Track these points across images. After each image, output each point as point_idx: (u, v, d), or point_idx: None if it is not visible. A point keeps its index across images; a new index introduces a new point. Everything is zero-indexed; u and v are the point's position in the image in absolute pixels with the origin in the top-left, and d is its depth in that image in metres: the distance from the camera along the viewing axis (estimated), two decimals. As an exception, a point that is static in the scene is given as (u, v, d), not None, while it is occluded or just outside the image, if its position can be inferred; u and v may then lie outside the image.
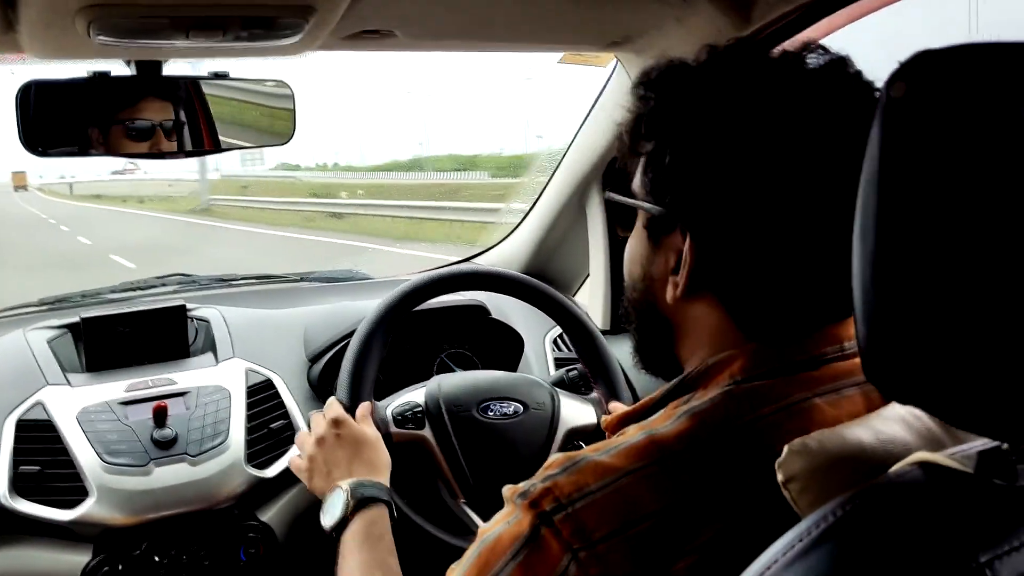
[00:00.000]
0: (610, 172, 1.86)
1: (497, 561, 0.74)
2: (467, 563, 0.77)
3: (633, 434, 0.76)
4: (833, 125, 0.73)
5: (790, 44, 0.80)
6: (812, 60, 0.77)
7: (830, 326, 0.79)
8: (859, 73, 0.78)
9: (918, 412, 0.69)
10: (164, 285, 2.01)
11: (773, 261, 0.76)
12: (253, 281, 2.11)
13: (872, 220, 0.51)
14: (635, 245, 0.86)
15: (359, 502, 1.15)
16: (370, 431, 1.29)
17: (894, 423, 0.70)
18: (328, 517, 1.17)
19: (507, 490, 0.78)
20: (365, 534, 1.13)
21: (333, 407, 1.31)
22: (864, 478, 0.60)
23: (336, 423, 1.27)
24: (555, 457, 0.77)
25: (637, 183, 0.83)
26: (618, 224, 0.87)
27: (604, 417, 0.87)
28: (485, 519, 1.38)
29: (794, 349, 0.78)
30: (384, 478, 1.23)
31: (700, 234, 0.78)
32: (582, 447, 0.80)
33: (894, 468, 0.60)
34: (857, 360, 0.78)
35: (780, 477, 0.65)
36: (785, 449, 0.66)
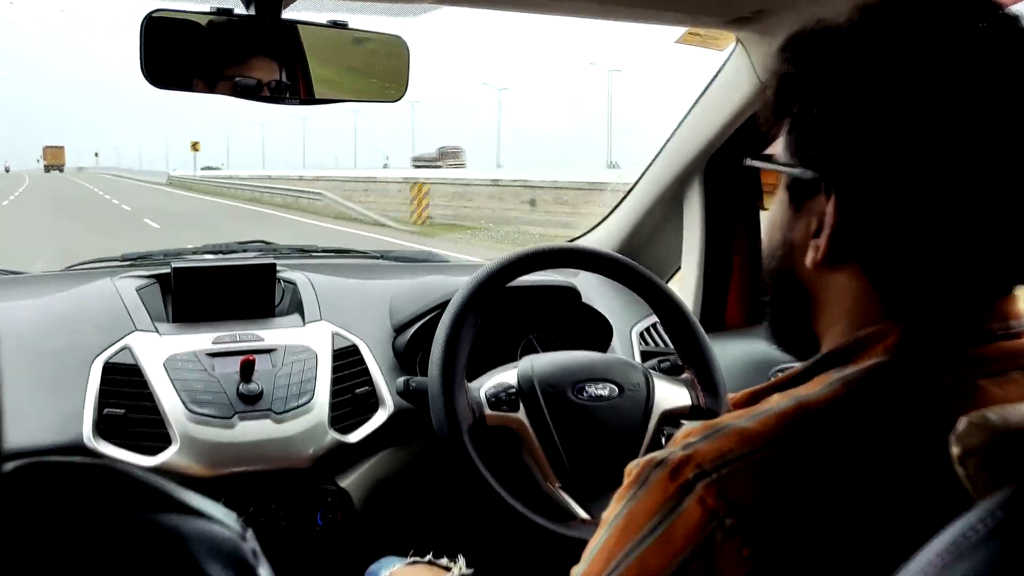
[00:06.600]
0: (713, 163, 1.80)
1: (632, 538, 0.68)
2: (596, 547, 0.71)
3: (779, 401, 0.71)
4: (1003, 86, 0.68)
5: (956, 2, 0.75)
6: (983, 18, 0.72)
7: (996, 302, 0.73)
8: None
9: None
10: (245, 251, 1.98)
11: (929, 229, 0.70)
12: (333, 254, 2.09)
13: None
14: (776, 211, 0.81)
15: None
16: None
17: None
18: None
19: (634, 464, 0.72)
20: None
21: None
22: None
23: None
24: (693, 425, 0.72)
25: (780, 145, 0.78)
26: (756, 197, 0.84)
27: (730, 395, 0.81)
28: (581, 503, 1.36)
29: (955, 325, 0.72)
30: None
31: (845, 193, 0.72)
32: (675, 431, 0.76)
33: None
34: None
35: (956, 451, 0.59)
36: (963, 421, 0.60)
